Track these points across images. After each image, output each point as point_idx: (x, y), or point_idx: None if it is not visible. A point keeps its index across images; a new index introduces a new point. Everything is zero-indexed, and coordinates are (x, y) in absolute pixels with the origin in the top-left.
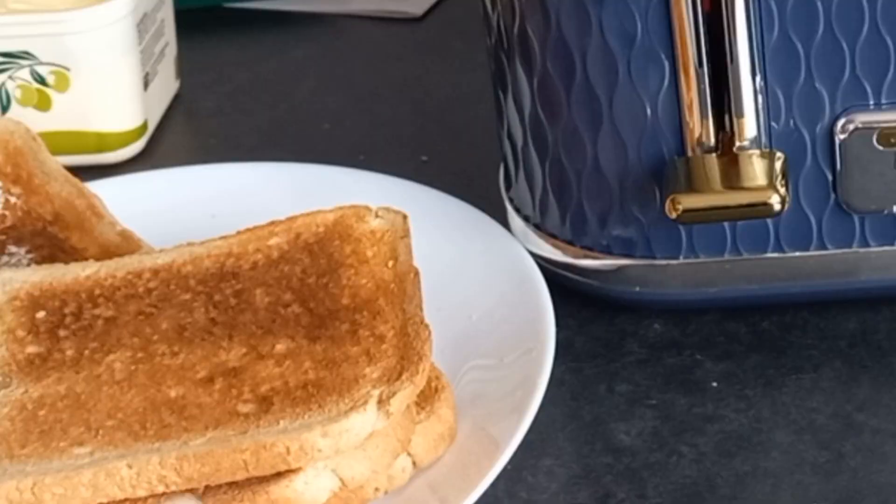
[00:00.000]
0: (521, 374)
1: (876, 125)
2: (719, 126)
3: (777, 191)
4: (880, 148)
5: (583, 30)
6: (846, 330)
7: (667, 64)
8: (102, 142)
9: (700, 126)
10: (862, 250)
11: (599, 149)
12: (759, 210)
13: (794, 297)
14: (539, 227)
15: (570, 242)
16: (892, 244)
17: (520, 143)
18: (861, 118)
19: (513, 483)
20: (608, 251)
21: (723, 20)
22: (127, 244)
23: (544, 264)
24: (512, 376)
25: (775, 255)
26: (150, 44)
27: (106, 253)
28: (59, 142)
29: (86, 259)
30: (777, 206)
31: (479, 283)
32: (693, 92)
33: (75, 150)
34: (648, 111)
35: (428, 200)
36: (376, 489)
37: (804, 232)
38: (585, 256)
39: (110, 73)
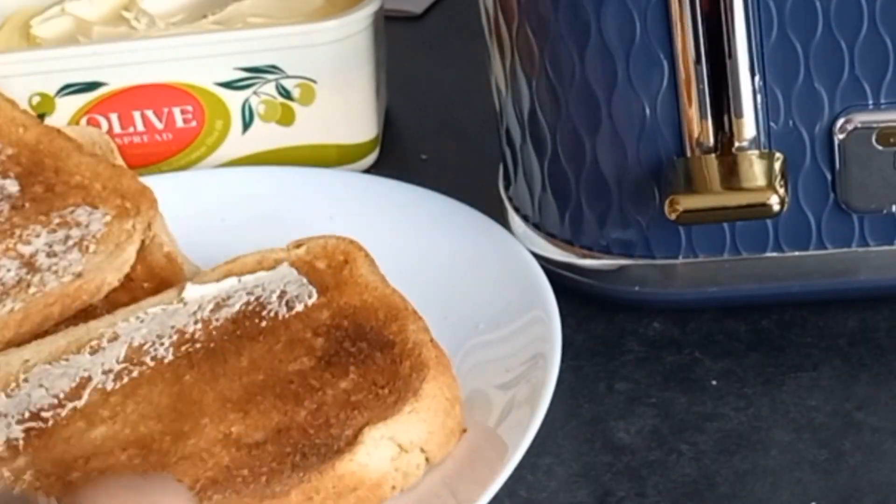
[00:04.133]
0: (528, 380)
1: (875, 125)
2: (718, 126)
3: (776, 191)
4: (879, 147)
5: (581, 30)
6: (845, 328)
7: (665, 64)
8: (343, 154)
9: (699, 126)
10: (861, 249)
11: (598, 149)
12: (759, 211)
13: (794, 296)
14: (538, 227)
15: (570, 242)
16: (891, 243)
17: (518, 143)
18: (860, 118)
19: (512, 481)
20: (607, 251)
21: (721, 20)
22: (171, 266)
23: (544, 264)
24: (519, 382)
25: (775, 254)
26: (379, 53)
27: (151, 273)
28: (300, 156)
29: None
30: (776, 207)
31: (485, 290)
32: (692, 92)
33: (315, 165)
34: (647, 111)
35: (433, 205)
36: (393, 487)
37: (803, 231)
38: (584, 256)
39: (353, 84)
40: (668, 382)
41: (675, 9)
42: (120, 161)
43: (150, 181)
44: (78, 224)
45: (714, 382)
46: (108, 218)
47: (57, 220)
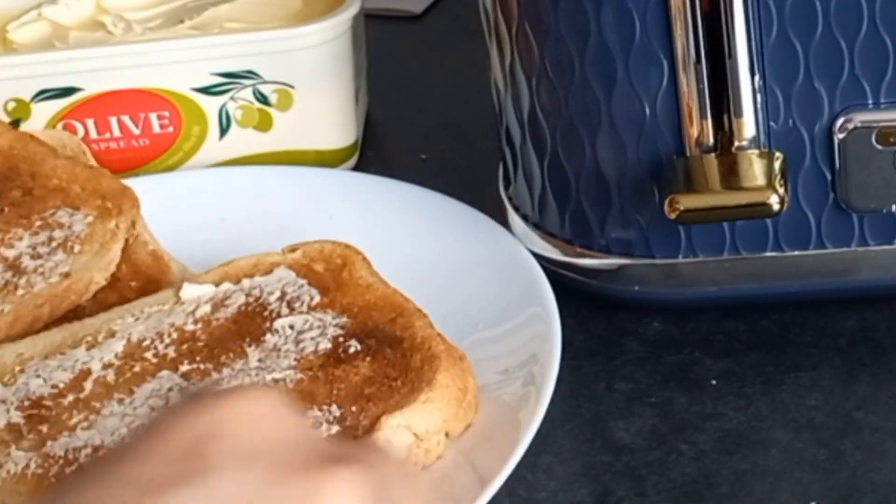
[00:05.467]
0: (527, 379)
1: (875, 124)
2: (718, 126)
3: (776, 191)
4: (879, 147)
5: (581, 29)
6: (845, 328)
7: (665, 63)
8: (321, 160)
9: (699, 126)
10: (861, 249)
11: (598, 148)
12: (758, 210)
13: (794, 295)
14: (538, 227)
15: (569, 242)
16: (890, 243)
17: (518, 143)
18: (860, 117)
19: (512, 481)
20: (607, 250)
21: (721, 20)
22: (157, 265)
23: (543, 263)
24: (518, 382)
25: (774, 254)
26: (358, 57)
27: (137, 272)
28: (278, 162)
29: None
30: (776, 207)
31: (485, 289)
32: (692, 92)
33: None
34: (647, 111)
35: (432, 205)
36: (414, 464)
37: (803, 231)
38: (584, 256)
39: (331, 89)
40: (668, 382)
41: (675, 9)
42: (93, 163)
43: (150, 181)
44: (60, 225)
45: (714, 382)
46: (90, 218)
47: (38, 223)
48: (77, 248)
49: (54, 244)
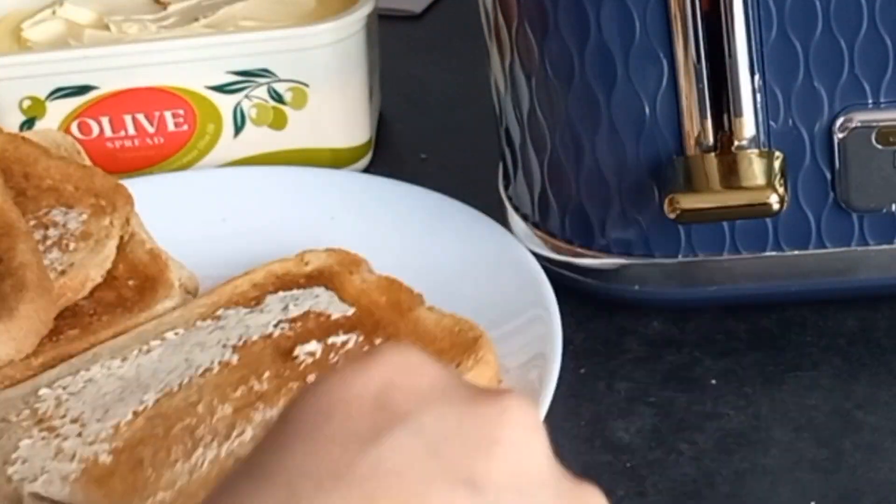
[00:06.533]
0: (528, 380)
1: (874, 124)
2: (718, 125)
3: (776, 190)
4: (879, 146)
5: (581, 29)
6: (845, 328)
7: (665, 63)
8: (336, 158)
9: (699, 125)
10: (860, 249)
11: (598, 148)
12: (758, 210)
13: (793, 295)
14: (538, 226)
15: (569, 241)
16: (890, 242)
17: (518, 142)
18: (860, 117)
19: None
20: (607, 250)
21: (721, 20)
22: (155, 263)
23: (544, 263)
24: (519, 382)
25: (774, 253)
26: (372, 56)
27: (134, 271)
28: (292, 160)
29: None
30: (776, 206)
31: (485, 290)
32: (692, 91)
33: None
34: (647, 110)
35: (434, 205)
36: None
37: (803, 230)
38: (584, 255)
39: (345, 88)
40: (668, 382)
41: (674, 9)
42: (87, 161)
43: (151, 180)
44: (55, 224)
45: (714, 382)
46: (84, 216)
47: (33, 223)
48: (72, 245)
49: (49, 242)
